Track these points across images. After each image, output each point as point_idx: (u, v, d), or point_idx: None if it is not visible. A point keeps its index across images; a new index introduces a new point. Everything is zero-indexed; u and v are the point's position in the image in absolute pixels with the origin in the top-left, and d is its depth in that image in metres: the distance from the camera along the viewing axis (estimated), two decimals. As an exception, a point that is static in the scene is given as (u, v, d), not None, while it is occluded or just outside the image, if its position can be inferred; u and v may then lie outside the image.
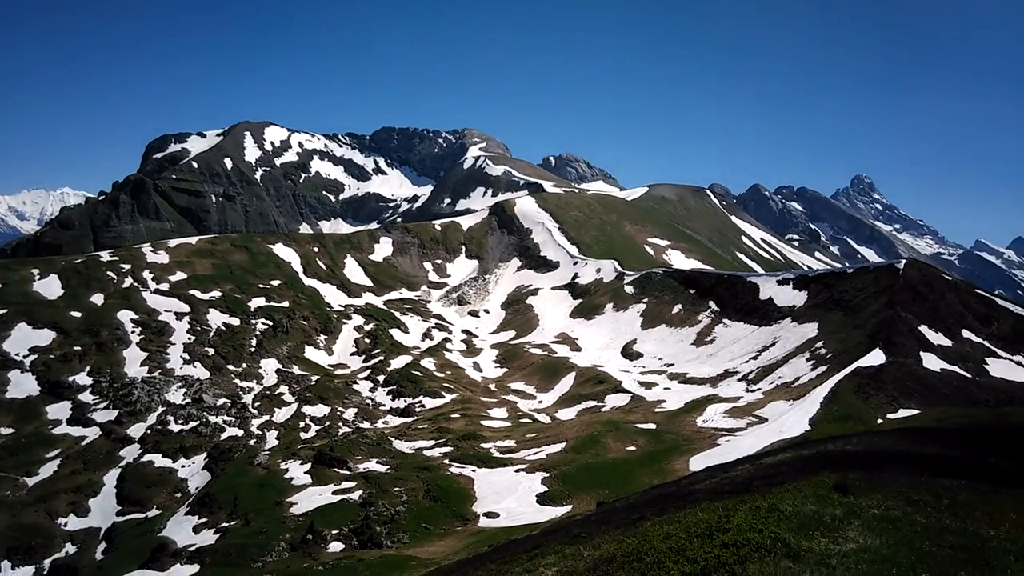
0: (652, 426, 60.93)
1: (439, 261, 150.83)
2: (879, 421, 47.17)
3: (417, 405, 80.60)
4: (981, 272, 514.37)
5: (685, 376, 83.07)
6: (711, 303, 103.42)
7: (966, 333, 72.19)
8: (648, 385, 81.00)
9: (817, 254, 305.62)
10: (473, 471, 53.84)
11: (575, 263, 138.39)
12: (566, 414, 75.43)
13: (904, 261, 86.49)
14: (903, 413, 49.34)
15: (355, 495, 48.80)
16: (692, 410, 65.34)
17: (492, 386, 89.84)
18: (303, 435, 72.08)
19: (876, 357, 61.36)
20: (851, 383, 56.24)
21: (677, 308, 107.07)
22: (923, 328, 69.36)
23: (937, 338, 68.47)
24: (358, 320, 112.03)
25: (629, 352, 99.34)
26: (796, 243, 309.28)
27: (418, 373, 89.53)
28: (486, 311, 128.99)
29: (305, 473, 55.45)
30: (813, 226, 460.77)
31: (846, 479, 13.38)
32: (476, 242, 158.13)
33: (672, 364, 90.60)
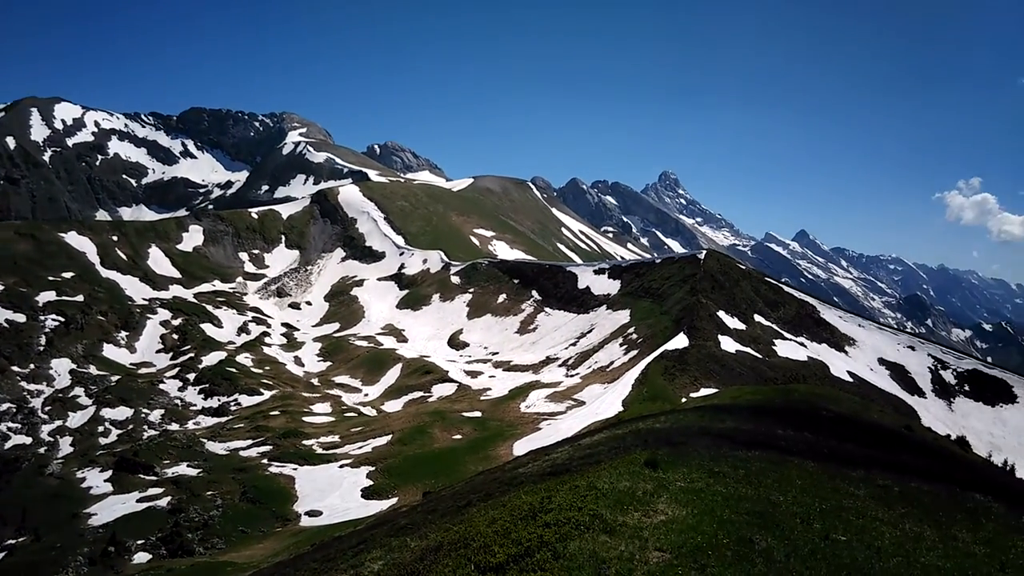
0: (478, 414, 61.94)
1: (256, 251, 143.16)
2: (683, 400, 51.06)
3: (232, 404, 76.28)
4: (770, 262, 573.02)
5: (509, 364, 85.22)
6: (534, 292, 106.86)
7: (757, 317, 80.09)
8: (474, 374, 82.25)
9: (629, 245, 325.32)
10: (294, 469, 52.05)
11: (401, 253, 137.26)
12: (392, 406, 74.77)
13: (704, 252, 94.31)
14: (704, 392, 53.78)
15: (163, 502, 45.52)
16: (516, 396, 67.19)
17: (315, 381, 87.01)
18: (103, 440, 65.73)
19: (681, 341, 66.44)
20: (659, 365, 60.47)
21: (502, 298, 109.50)
22: (721, 313, 76.03)
23: (733, 322, 75.36)
24: (165, 315, 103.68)
25: (455, 342, 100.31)
26: (611, 235, 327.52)
27: (233, 370, 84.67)
28: (308, 303, 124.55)
29: (105, 481, 50.99)
30: (626, 219, 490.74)
31: (656, 455, 14.28)
32: (297, 231, 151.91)
33: (497, 352, 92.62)
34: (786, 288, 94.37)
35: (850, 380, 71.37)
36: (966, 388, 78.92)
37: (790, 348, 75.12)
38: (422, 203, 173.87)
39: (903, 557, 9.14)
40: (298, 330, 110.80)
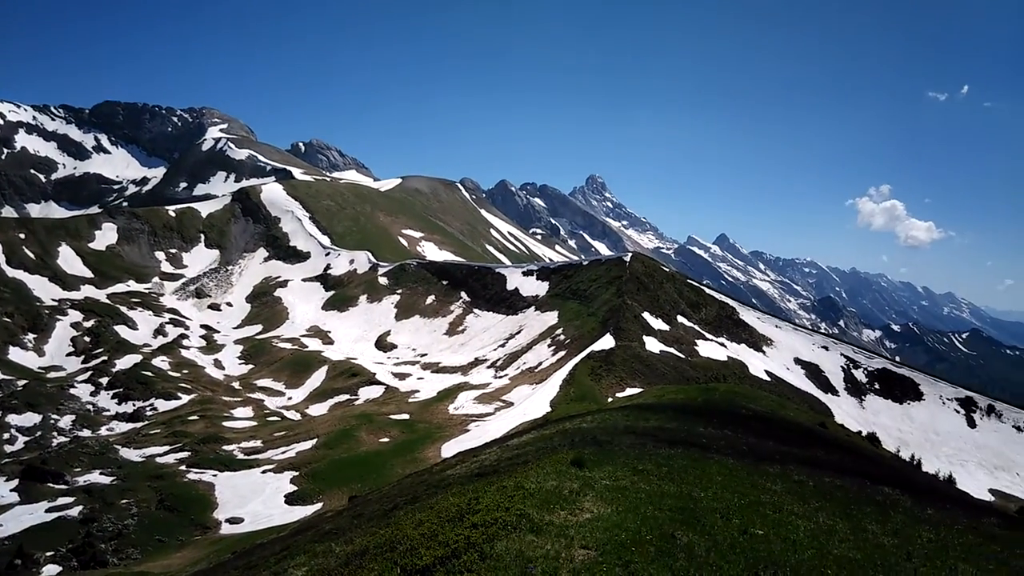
0: (406, 416, 61.36)
1: (174, 250, 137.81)
2: (610, 400, 51.94)
3: (148, 409, 73.23)
4: (692, 264, 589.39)
5: (438, 365, 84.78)
6: (463, 294, 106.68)
7: (680, 318, 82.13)
8: (402, 376, 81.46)
9: (557, 247, 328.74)
10: (214, 475, 50.33)
11: (327, 254, 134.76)
12: (318, 409, 73.25)
13: (630, 255, 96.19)
14: (629, 391, 54.83)
15: (74, 511, 43.27)
16: (444, 398, 66.89)
17: (236, 384, 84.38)
18: (8, 448, 62.02)
19: (607, 342, 67.55)
20: (586, 366, 61.31)
21: (431, 299, 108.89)
22: (646, 314, 77.64)
23: (657, 323, 77.06)
24: (76, 316, 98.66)
25: (383, 344, 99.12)
26: (539, 236, 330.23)
27: (149, 373, 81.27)
28: (229, 304, 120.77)
29: (12, 491, 48.03)
30: (554, 221, 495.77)
31: (582, 455, 14.41)
32: (217, 230, 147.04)
33: (426, 354, 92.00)
34: (707, 290, 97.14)
35: (768, 379, 74.02)
36: (876, 386, 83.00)
37: (711, 348, 77.32)
38: (349, 203, 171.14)
39: (817, 549, 9.48)
40: (218, 332, 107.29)
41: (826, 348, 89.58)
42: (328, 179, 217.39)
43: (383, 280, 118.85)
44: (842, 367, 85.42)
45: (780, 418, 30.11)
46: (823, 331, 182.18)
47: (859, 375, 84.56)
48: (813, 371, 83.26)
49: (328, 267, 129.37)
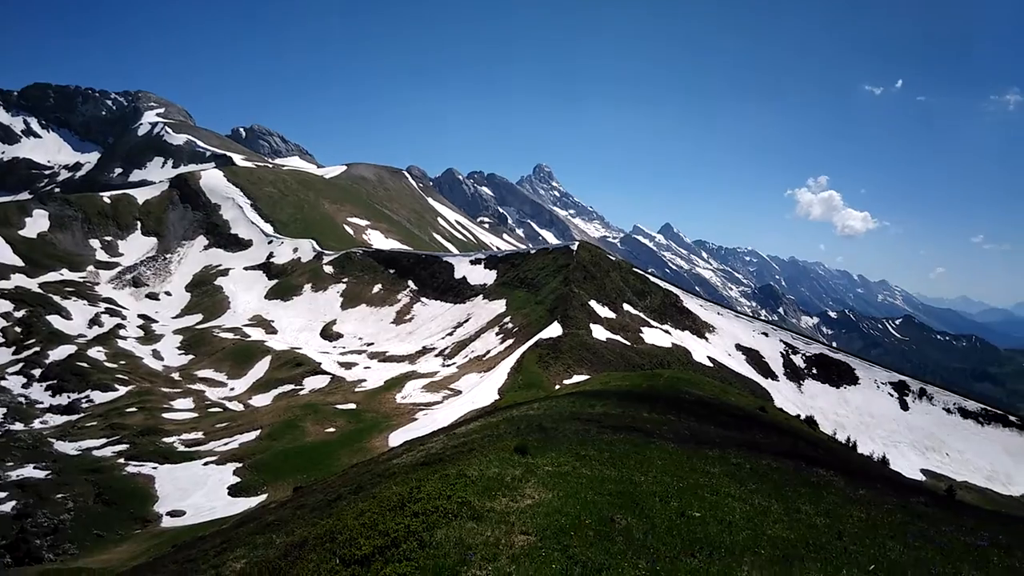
0: (352, 406, 60.78)
1: (109, 238, 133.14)
2: (557, 387, 52.36)
3: (84, 401, 70.91)
4: (638, 253, 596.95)
5: (385, 354, 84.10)
6: (410, 282, 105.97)
7: (626, 306, 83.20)
8: (348, 365, 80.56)
9: (505, 236, 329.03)
10: (154, 468, 49.18)
11: (270, 242, 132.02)
12: (261, 400, 71.94)
13: (577, 243, 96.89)
14: (576, 378, 55.37)
15: (7, 507, 41.78)
16: (392, 387, 66.46)
17: (176, 375, 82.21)
18: (-70, 445, 59.29)
19: (555, 329, 68.03)
20: (534, 354, 61.66)
21: (377, 288, 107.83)
22: (593, 303, 78.42)
23: (604, 311, 77.91)
24: (6, 306, 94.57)
25: (329, 333, 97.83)
26: (487, 225, 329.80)
27: (84, 365, 78.58)
28: (168, 293, 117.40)
29: (-63, 489, 45.93)
30: (501, 210, 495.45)
31: (526, 442, 14.48)
32: (155, 217, 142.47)
33: (372, 343, 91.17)
34: (652, 278, 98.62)
35: (710, 365, 75.65)
36: (814, 371, 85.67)
37: (656, 335, 78.58)
38: (292, 190, 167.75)
39: (752, 530, 9.71)
40: (156, 322, 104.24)
41: (766, 335, 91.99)
42: (270, 165, 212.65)
43: (328, 269, 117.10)
44: (781, 353, 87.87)
45: (722, 403, 30.79)
46: (763, 318, 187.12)
47: (797, 360, 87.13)
48: (754, 357, 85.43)
49: (271, 255, 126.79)
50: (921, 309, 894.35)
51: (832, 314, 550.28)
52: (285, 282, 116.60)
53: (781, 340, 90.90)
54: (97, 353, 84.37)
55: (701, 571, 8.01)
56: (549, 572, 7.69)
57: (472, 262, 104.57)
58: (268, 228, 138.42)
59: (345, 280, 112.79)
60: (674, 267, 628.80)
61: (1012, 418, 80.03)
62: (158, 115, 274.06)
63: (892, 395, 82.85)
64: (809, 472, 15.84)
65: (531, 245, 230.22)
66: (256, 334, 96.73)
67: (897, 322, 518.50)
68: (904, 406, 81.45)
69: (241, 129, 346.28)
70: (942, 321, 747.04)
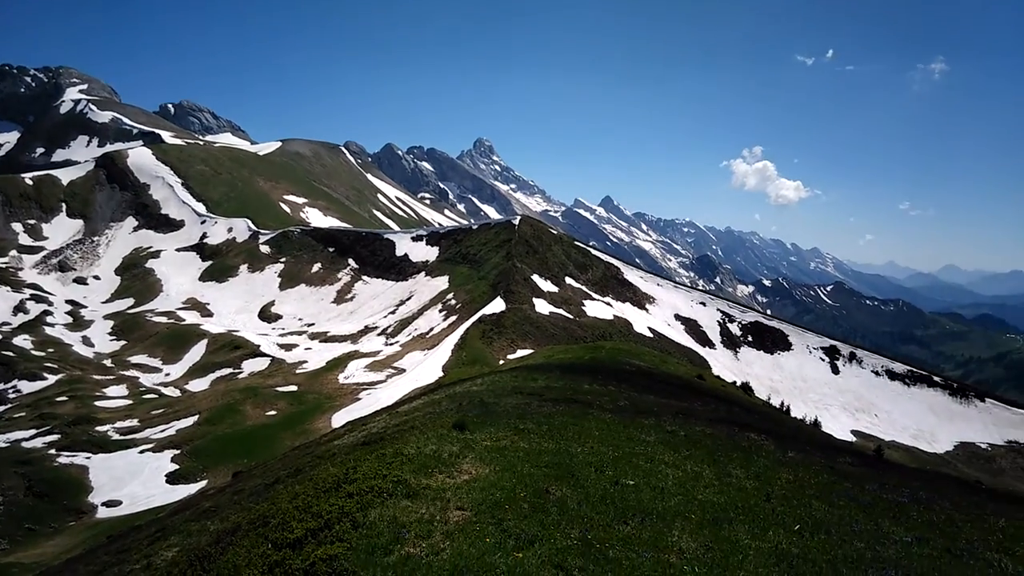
0: (293, 388, 59.86)
1: (32, 221, 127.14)
2: (501, 362, 52.59)
3: (11, 391, 68.15)
4: (579, 226, 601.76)
5: (326, 335, 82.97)
6: (351, 261, 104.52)
7: (568, 280, 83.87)
8: (288, 347, 79.20)
9: (446, 211, 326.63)
10: (87, 458, 47.67)
11: (203, 222, 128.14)
12: (198, 385, 70.24)
13: (519, 218, 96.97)
14: (520, 353, 55.73)
15: (-70, 505, 39.93)
16: (334, 368, 65.67)
17: (108, 362, 79.52)
18: None
19: (498, 305, 68.17)
20: (477, 330, 61.74)
21: (317, 267, 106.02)
22: (535, 277, 78.79)
23: (546, 285, 78.39)
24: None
25: (267, 314, 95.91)
26: (428, 201, 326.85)
27: (10, 353, 75.38)
28: (96, 278, 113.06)
29: None
30: (442, 185, 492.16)
31: (465, 417, 14.47)
32: (80, 199, 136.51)
33: (313, 324, 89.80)
34: (594, 251, 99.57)
35: (651, 335, 77.07)
36: (749, 338, 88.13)
37: (598, 308, 79.53)
38: (225, 167, 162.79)
39: (683, 495, 9.94)
40: (85, 307, 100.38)
41: (704, 304, 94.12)
42: (201, 143, 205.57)
43: (265, 248, 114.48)
44: (718, 322, 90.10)
45: (661, 373, 31.44)
46: (701, 288, 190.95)
47: (734, 329, 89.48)
48: (692, 326, 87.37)
49: (204, 236, 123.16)
50: (851, 275, 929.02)
51: (767, 282, 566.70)
52: (220, 263, 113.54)
53: (718, 309, 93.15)
54: (23, 341, 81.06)
55: (633, 537, 8.16)
56: (483, 546, 7.73)
57: (414, 239, 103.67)
58: (200, 207, 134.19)
59: (283, 260, 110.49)
60: (615, 240, 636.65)
61: (937, 379, 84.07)
62: (81, 92, 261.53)
63: (823, 360, 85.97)
64: (741, 437, 16.29)
65: (473, 221, 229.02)
66: (191, 317, 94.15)
67: (828, 288, 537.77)
68: (835, 370, 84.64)
69: (170, 105, 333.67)
70: (871, 287, 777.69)
